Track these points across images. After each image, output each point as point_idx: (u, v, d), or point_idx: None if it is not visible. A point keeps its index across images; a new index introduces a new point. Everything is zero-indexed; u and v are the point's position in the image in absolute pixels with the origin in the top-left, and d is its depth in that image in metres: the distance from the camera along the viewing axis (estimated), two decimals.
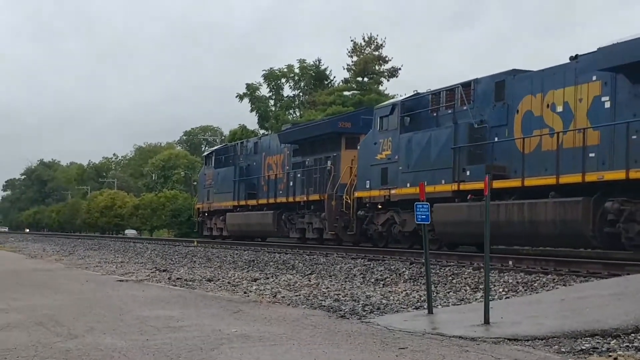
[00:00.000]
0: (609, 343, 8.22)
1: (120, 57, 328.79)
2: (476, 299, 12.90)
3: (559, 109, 20.62)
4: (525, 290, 14.24)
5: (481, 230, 19.80)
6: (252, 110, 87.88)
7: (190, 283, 17.26)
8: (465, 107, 24.06)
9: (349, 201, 30.15)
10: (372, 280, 17.22)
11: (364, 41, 78.85)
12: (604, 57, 18.76)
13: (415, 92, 30.13)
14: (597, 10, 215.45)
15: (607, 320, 9.14)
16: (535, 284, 14.79)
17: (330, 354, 7.76)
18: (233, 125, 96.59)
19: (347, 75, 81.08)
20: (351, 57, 79.70)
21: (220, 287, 16.36)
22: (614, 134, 18.66)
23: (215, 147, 51.79)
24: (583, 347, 8.03)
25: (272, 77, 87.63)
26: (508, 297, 13.30)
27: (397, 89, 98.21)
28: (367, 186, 28.55)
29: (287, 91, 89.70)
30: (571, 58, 20.87)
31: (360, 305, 12.18)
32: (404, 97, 30.07)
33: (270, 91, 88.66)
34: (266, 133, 66.25)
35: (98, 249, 39.22)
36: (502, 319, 9.79)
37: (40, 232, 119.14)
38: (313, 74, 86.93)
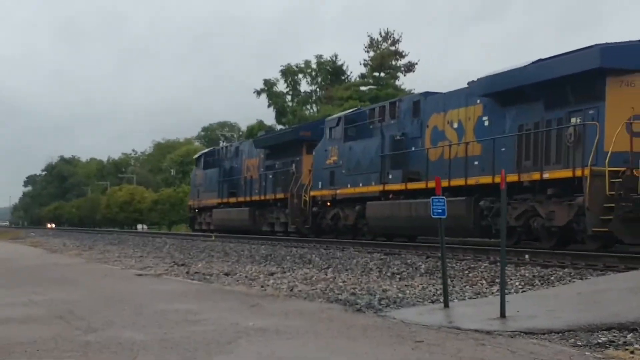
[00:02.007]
0: (626, 337, 8.22)
1: (144, 55, 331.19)
2: (492, 293, 12.89)
3: (455, 125, 25.36)
4: (542, 284, 14.22)
5: (400, 224, 26.07)
6: (269, 106, 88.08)
7: (208, 277, 17.32)
8: (392, 122, 29.13)
9: (307, 199, 34.94)
10: (389, 274, 17.22)
11: (381, 36, 78.88)
12: (482, 85, 23.69)
13: (358, 107, 37.74)
14: (623, 4, 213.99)
15: (624, 314, 9.14)
16: (552, 278, 14.77)
17: (346, 348, 7.81)
18: (251, 121, 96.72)
19: (363, 70, 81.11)
20: (368, 52, 79.76)
21: (237, 281, 16.42)
22: (489, 147, 23.18)
23: (204, 151, 56.71)
24: (600, 341, 8.04)
25: (290, 73, 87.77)
26: (524, 291, 13.28)
27: (414, 84, 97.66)
28: (320, 187, 33.59)
29: (304, 86, 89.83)
30: (469, 83, 25.21)
31: (376, 299, 12.20)
32: (348, 111, 35.87)
33: (287, 87, 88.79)
34: (283, 128, 66.70)
35: (117, 244, 39.37)
36: (518, 312, 9.80)
37: (61, 227, 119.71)
38: (330, 69, 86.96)
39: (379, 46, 78.51)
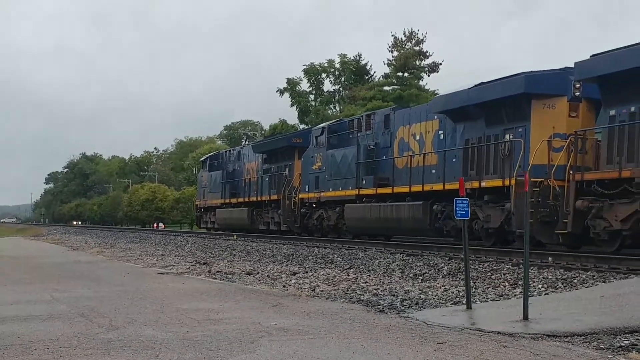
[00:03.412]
0: None
1: (170, 53, 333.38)
2: (515, 295, 12.85)
3: (417, 137, 28.52)
4: (565, 286, 14.16)
5: (371, 224, 30.16)
6: (292, 105, 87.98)
7: (230, 276, 17.37)
8: (367, 132, 32.26)
9: (296, 201, 38.05)
10: (411, 275, 17.22)
11: (405, 36, 78.55)
12: (437, 104, 27.02)
13: (340, 118, 42.84)
14: None
15: None
16: (575, 281, 14.71)
17: (368, 348, 7.79)
18: (274, 120, 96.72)
19: (387, 70, 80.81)
20: (392, 52, 79.43)
21: (259, 280, 16.45)
22: (443, 157, 26.23)
23: (209, 154, 60.56)
24: (622, 344, 7.99)
25: (313, 72, 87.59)
26: (547, 294, 13.23)
27: (438, 84, 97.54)
28: (307, 190, 36.71)
29: (328, 86, 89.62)
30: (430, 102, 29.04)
31: (398, 299, 12.19)
32: (331, 122, 39.23)
33: (310, 86, 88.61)
34: (306, 127, 66.91)
35: (139, 242, 39.55)
36: (541, 315, 9.76)
37: (83, 225, 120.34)
38: (353, 68, 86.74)
39: (403, 46, 78.21)
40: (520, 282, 14.31)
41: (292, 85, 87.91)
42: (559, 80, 22.32)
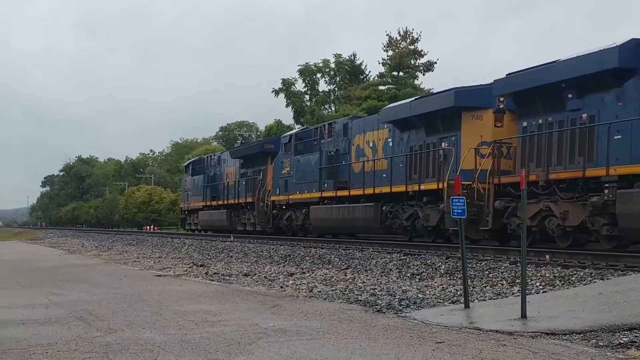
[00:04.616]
0: None
1: (165, 53, 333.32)
2: (513, 293, 12.85)
3: (371, 144, 31.23)
4: (563, 284, 14.15)
5: (332, 224, 33.63)
6: (287, 106, 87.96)
7: (227, 278, 17.34)
8: (329, 140, 35.04)
9: (268, 203, 40.94)
10: (408, 274, 17.20)
11: (400, 35, 78.58)
12: (386, 114, 29.72)
13: (305, 126, 47.05)
14: None
15: None
16: (573, 278, 14.70)
17: (366, 348, 7.79)
18: (270, 120, 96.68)
19: (382, 69, 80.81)
20: (386, 51, 79.45)
21: (257, 281, 16.43)
22: (391, 163, 28.97)
23: (192, 159, 64.05)
24: (621, 341, 7.99)
25: (308, 72, 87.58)
26: (545, 292, 13.22)
27: (434, 83, 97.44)
28: (277, 193, 39.59)
29: (323, 86, 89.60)
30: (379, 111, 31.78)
31: (396, 299, 12.18)
32: (297, 130, 42.96)
33: (305, 86, 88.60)
34: (301, 127, 67.17)
35: (136, 244, 39.50)
36: (539, 313, 9.76)
37: (78, 228, 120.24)
38: (348, 68, 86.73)
39: (398, 45, 78.22)
40: (517, 281, 14.31)
41: (287, 86, 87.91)
42: (486, 94, 24.51)
